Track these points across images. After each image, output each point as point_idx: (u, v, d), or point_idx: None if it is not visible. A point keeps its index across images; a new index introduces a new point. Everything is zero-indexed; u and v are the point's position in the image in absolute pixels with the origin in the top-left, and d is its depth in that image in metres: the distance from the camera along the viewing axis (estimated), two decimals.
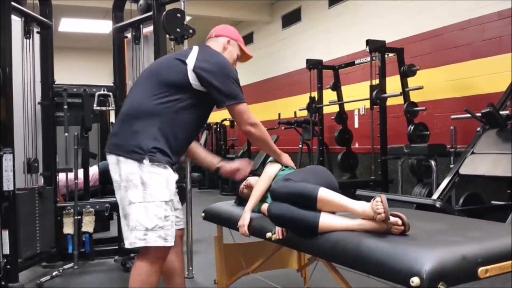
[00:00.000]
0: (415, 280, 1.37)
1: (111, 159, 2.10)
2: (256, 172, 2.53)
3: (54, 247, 3.70)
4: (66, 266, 3.58)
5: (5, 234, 3.09)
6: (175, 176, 2.13)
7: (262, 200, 2.31)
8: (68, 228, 3.70)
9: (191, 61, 2.13)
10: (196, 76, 2.11)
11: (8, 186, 3.09)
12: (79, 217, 3.72)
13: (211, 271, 2.90)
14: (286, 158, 2.39)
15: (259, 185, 2.29)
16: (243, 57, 2.44)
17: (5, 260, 3.09)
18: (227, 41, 2.34)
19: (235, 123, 9.68)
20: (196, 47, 2.25)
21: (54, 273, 3.44)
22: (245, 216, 2.22)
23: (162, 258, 2.09)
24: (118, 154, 2.07)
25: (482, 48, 5.13)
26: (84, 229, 3.72)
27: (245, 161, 2.53)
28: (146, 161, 2.02)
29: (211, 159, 2.51)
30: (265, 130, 2.30)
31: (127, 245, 2.06)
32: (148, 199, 2.02)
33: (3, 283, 3.06)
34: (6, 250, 3.09)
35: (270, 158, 2.41)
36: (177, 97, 2.11)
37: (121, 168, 2.06)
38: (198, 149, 2.52)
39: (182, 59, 2.15)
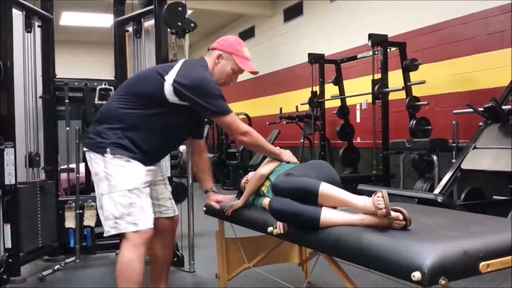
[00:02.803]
0: (416, 275, 1.37)
1: (87, 156, 2.29)
2: (257, 167, 2.53)
3: (56, 241, 3.72)
4: (68, 260, 3.59)
5: (7, 228, 3.11)
6: (143, 168, 2.22)
7: (263, 195, 2.31)
8: (70, 222, 3.71)
9: (171, 76, 2.21)
10: (174, 91, 2.19)
11: (9, 180, 3.10)
12: (81, 211, 3.72)
13: (213, 265, 2.91)
14: (288, 155, 2.39)
15: (250, 185, 2.34)
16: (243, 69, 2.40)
17: (7, 254, 3.11)
18: (217, 56, 2.34)
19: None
20: (182, 61, 2.33)
21: (56, 267, 3.45)
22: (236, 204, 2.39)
23: (141, 244, 2.15)
24: (90, 151, 2.25)
25: (484, 42, 5.11)
26: (85, 223, 3.73)
27: (229, 198, 2.53)
28: (108, 154, 2.17)
29: (206, 182, 2.63)
30: (258, 135, 2.33)
31: (104, 234, 2.21)
32: (112, 190, 2.16)
33: (5, 276, 3.08)
34: (8, 244, 3.11)
35: None
36: (147, 107, 2.22)
37: (93, 165, 2.24)
38: (201, 167, 2.64)
39: (161, 74, 2.23)
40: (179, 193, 3.58)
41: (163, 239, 2.51)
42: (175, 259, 3.45)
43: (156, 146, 2.31)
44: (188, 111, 2.26)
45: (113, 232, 2.18)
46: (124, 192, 2.15)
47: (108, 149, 2.18)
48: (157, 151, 2.35)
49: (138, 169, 2.20)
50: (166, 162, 3.40)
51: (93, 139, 2.25)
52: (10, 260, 3.10)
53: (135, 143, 2.21)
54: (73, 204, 3.72)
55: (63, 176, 4.05)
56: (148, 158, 2.27)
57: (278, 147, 2.44)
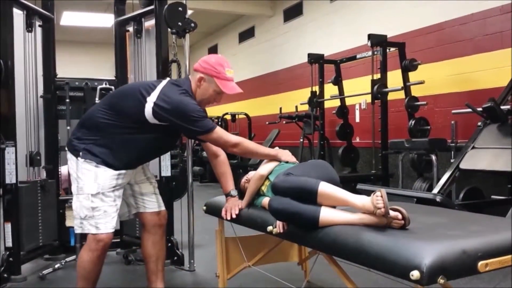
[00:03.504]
0: (415, 274, 1.38)
1: (67, 156, 2.43)
2: (258, 167, 2.54)
3: (57, 240, 3.72)
4: (68, 259, 3.59)
5: (8, 226, 3.12)
6: (112, 172, 2.31)
7: (263, 194, 2.32)
8: (71, 221, 3.71)
9: (152, 97, 2.24)
10: (153, 113, 2.24)
11: (10, 179, 3.11)
12: None
13: (213, 264, 2.92)
14: (286, 155, 2.40)
15: (250, 186, 2.35)
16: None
17: (7, 253, 3.11)
18: (199, 78, 2.34)
19: (236, 116, 9.73)
20: (165, 81, 2.35)
21: (56, 266, 3.45)
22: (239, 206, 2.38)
23: (97, 249, 2.30)
24: (68, 151, 2.40)
25: (484, 42, 5.12)
26: None
27: (235, 201, 2.49)
28: (80, 158, 2.32)
29: (224, 187, 2.60)
30: (248, 143, 2.37)
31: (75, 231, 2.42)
32: (80, 192, 2.32)
33: (5, 275, 3.09)
34: (9, 243, 3.12)
35: None
36: (126, 123, 2.31)
37: (69, 165, 2.40)
38: (217, 170, 2.64)
39: (144, 94, 2.27)
40: (178, 189, 3.59)
41: (152, 236, 2.56)
42: (175, 257, 3.46)
43: (132, 157, 2.39)
44: (168, 130, 2.31)
45: (78, 231, 2.34)
46: (88, 196, 2.29)
47: (80, 153, 2.32)
48: (135, 162, 2.44)
49: (105, 174, 2.30)
50: (166, 161, 3.42)
51: (72, 141, 2.40)
52: (10, 258, 3.11)
53: (109, 152, 2.31)
54: None
55: (64, 175, 4.05)
56: (124, 165, 2.36)
57: (276, 147, 2.45)
